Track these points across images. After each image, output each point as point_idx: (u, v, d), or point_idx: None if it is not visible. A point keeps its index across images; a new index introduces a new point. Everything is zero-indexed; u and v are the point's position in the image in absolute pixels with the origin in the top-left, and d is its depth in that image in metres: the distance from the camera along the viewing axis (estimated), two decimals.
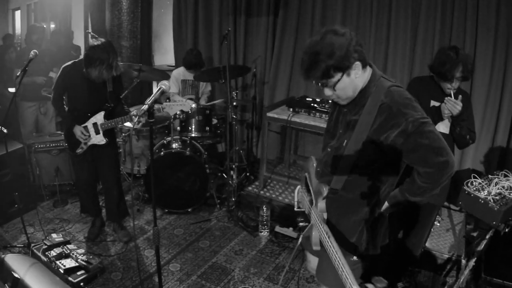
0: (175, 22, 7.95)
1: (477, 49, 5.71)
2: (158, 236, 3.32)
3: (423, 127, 2.36)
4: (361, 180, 2.58)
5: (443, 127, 4.01)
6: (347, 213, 2.66)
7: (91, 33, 5.97)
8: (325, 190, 2.61)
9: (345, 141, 2.59)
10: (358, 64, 2.39)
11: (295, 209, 3.10)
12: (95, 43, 4.36)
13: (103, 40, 4.43)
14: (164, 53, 8.40)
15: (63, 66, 4.61)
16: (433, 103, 3.98)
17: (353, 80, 2.44)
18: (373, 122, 2.44)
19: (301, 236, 2.93)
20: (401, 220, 4.52)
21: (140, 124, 4.95)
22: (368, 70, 2.52)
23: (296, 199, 3.15)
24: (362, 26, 6.40)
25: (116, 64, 4.44)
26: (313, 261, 3.23)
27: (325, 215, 2.59)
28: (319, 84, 2.45)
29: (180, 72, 6.79)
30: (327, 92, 2.48)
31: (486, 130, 5.97)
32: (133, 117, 4.49)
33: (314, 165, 2.93)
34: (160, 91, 3.15)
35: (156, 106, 3.14)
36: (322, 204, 2.60)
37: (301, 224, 2.98)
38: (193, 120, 6.00)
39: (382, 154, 2.46)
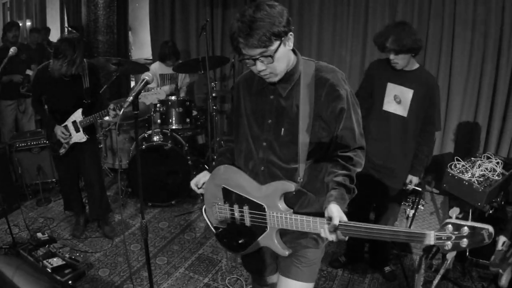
0: (151, 14, 7.95)
1: (455, 36, 5.87)
2: (146, 229, 3.34)
3: (355, 102, 2.49)
4: (320, 164, 2.54)
5: (401, 110, 3.96)
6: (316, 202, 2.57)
7: (69, 28, 5.95)
8: (292, 186, 2.45)
9: (282, 129, 2.50)
10: (291, 35, 2.32)
11: (216, 232, 2.88)
12: (66, 36, 4.36)
13: (75, 34, 4.41)
14: (141, 46, 8.40)
15: (37, 68, 4.59)
16: (390, 85, 3.94)
17: (287, 53, 2.35)
18: (315, 97, 2.42)
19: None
20: (371, 202, 4.61)
21: (118, 117, 4.92)
22: (293, 53, 2.48)
23: (209, 222, 2.93)
24: (339, 20, 6.51)
25: (79, 62, 4.35)
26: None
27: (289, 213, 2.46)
28: (255, 57, 2.26)
29: (157, 67, 6.78)
30: (260, 66, 2.29)
31: (466, 115, 6.11)
32: (110, 110, 4.46)
33: (241, 173, 2.72)
34: (144, 82, 3.15)
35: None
36: (282, 203, 2.50)
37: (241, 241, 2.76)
38: (174, 112, 6.01)
39: (330, 129, 2.45)
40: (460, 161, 4.33)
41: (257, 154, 2.60)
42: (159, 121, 6.01)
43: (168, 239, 5.17)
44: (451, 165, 4.30)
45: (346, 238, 2.24)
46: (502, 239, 3.36)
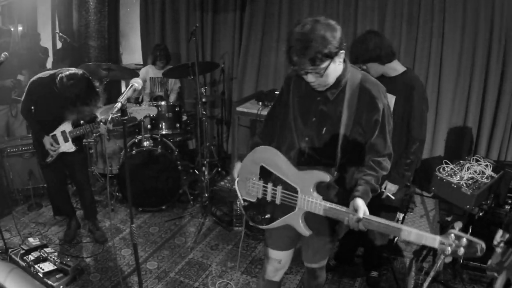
0: (142, 20, 7.98)
1: (444, 39, 5.92)
2: (136, 234, 3.38)
3: (389, 114, 2.77)
4: (353, 161, 2.82)
5: None
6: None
7: (59, 33, 5.96)
8: (327, 177, 2.71)
9: (324, 128, 2.80)
10: (342, 52, 2.56)
11: (243, 204, 3.14)
12: (90, 79, 4.31)
13: (78, 78, 4.31)
14: (132, 52, 8.39)
15: (30, 81, 4.54)
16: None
17: (336, 67, 2.60)
18: (357, 105, 2.67)
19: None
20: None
21: (105, 129, 4.97)
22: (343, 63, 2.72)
23: (239, 194, 3.17)
24: None
25: (98, 98, 4.36)
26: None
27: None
28: (306, 71, 2.54)
29: (149, 70, 6.82)
30: (311, 78, 2.58)
31: (456, 119, 6.15)
32: (101, 124, 4.51)
33: (281, 155, 2.94)
34: (132, 88, 3.19)
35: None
36: (315, 190, 2.75)
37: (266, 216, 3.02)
38: (164, 117, 6.05)
39: (366, 135, 2.74)
40: (449, 164, 4.38)
41: (299, 146, 2.91)
42: (149, 126, 6.01)
43: (158, 244, 5.19)
44: (440, 168, 4.35)
45: (366, 229, 2.55)
46: (500, 232, 3.38)
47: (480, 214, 4.59)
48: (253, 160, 3.09)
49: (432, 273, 4.23)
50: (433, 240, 2.37)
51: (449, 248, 2.30)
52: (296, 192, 2.81)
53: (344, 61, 2.70)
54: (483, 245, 2.22)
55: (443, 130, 6.19)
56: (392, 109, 3.80)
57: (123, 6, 8.09)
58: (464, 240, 2.27)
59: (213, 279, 4.58)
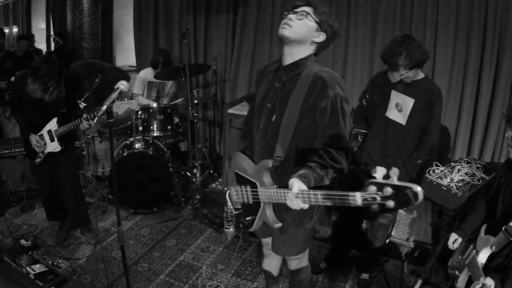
0: (135, 21, 7.99)
1: (437, 40, 5.94)
2: (123, 236, 3.42)
3: (345, 107, 2.73)
4: (301, 145, 2.81)
5: (400, 117, 4.04)
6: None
7: (54, 36, 5.98)
8: (270, 162, 2.78)
9: (274, 116, 2.84)
10: (322, 34, 2.75)
11: (235, 212, 3.22)
12: (44, 57, 4.37)
13: (53, 56, 4.42)
14: (126, 53, 8.41)
15: (16, 75, 4.59)
16: (394, 92, 4.03)
17: (310, 30, 2.73)
18: (307, 92, 2.70)
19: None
20: (364, 210, 4.67)
21: (92, 127, 4.99)
22: (313, 53, 2.84)
23: (230, 204, 3.27)
24: None
25: (54, 88, 4.44)
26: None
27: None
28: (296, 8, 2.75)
29: (148, 74, 6.80)
30: (292, 16, 2.72)
31: (449, 121, 6.16)
32: (83, 120, 4.48)
33: (244, 157, 3.09)
34: (118, 91, 3.22)
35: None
36: (267, 178, 2.80)
37: (249, 218, 3.10)
38: (155, 119, 6.06)
39: (314, 120, 2.73)
40: (439, 167, 4.40)
41: (256, 135, 2.98)
42: (140, 128, 6.04)
43: (149, 245, 5.22)
44: (430, 170, 4.36)
45: (306, 207, 2.48)
46: (453, 236, 3.40)
47: None
48: (231, 168, 3.22)
49: (423, 276, 4.32)
50: (354, 199, 2.10)
51: (375, 205, 1.97)
52: (256, 186, 2.88)
53: (315, 54, 2.84)
54: (415, 188, 1.83)
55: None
56: (409, 112, 3.95)
57: (118, 8, 8.12)
58: (389, 189, 1.91)
59: (203, 281, 4.61)
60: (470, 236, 3.32)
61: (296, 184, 2.47)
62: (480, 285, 2.82)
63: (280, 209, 2.91)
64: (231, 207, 3.24)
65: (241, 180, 3.06)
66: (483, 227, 3.13)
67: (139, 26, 7.97)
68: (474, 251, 3.09)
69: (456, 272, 3.26)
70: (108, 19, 7.88)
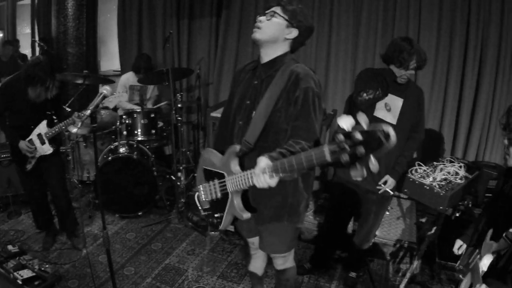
0: (120, 26, 8.00)
1: (420, 39, 6.00)
2: (108, 239, 3.47)
3: (316, 102, 2.79)
4: (272, 136, 2.85)
5: (390, 117, 4.09)
6: None
7: (38, 41, 5.98)
8: (237, 147, 2.83)
9: (253, 111, 2.90)
10: (294, 30, 2.85)
11: (203, 213, 3.21)
12: (35, 61, 4.40)
13: (42, 57, 4.45)
14: (111, 58, 8.41)
15: (2, 82, 4.61)
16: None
17: (280, 28, 2.83)
18: (283, 86, 2.78)
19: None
20: (352, 213, 4.75)
21: (83, 126, 5.03)
22: (289, 50, 2.95)
23: (200, 206, 3.26)
24: None
25: (53, 85, 4.49)
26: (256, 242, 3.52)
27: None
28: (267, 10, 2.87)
29: (129, 78, 6.83)
30: (261, 18, 2.86)
31: (432, 121, 6.25)
32: (75, 119, 4.49)
33: (213, 151, 3.12)
34: (101, 96, 3.27)
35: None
36: (235, 165, 2.84)
37: (217, 215, 3.07)
38: (139, 124, 6.09)
39: (287, 113, 2.80)
40: (422, 166, 4.40)
41: (235, 131, 3.03)
42: (125, 132, 6.07)
43: (135, 249, 5.26)
44: (412, 170, 4.37)
45: (274, 183, 2.47)
46: (458, 243, 3.50)
47: (457, 214, 4.64)
48: (199, 166, 3.23)
49: (408, 275, 4.37)
50: (322, 153, 2.03)
51: (345, 155, 1.87)
52: (224, 176, 2.90)
53: (292, 52, 2.95)
54: (386, 128, 1.78)
55: None
56: (399, 112, 4.04)
57: (103, 13, 8.12)
58: (358, 135, 1.82)
59: (189, 284, 4.66)
60: (474, 242, 3.35)
61: (263, 159, 2.49)
62: None
63: (255, 198, 2.97)
64: (201, 209, 3.24)
65: (209, 175, 3.07)
66: (489, 232, 3.13)
67: (123, 31, 7.98)
68: (478, 256, 3.12)
69: (461, 276, 3.28)
70: (93, 24, 7.87)
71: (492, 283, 2.80)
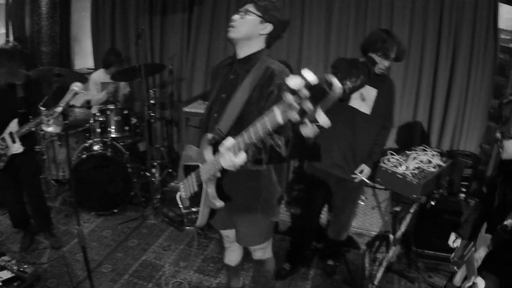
0: (93, 24, 7.98)
1: (393, 31, 5.90)
2: (83, 236, 3.53)
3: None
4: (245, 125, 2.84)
5: (364, 107, 4.17)
6: None
7: (11, 41, 5.96)
8: (210, 135, 2.91)
9: (228, 105, 2.96)
10: (268, 24, 2.92)
11: (184, 211, 3.25)
12: (4, 46, 4.40)
13: (16, 45, 4.47)
14: (84, 56, 8.35)
15: None
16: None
17: (253, 25, 2.91)
18: (258, 81, 2.85)
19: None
20: (325, 203, 4.82)
21: (55, 124, 5.03)
22: (264, 46, 3.03)
23: (181, 204, 3.32)
24: None
25: (18, 72, 4.53)
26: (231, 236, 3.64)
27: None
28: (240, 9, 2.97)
29: (100, 75, 6.84)
30: (235, 17, 2.95)
31: (406, 109, 6.34)
32: (43, 118, 4.39)
33: (192, 147, 3.22)
34: (72, 93, 3.33)
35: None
36: (208, 153, 2.88)
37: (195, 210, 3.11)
38: (112, 121, 6.15)
39: (260, 107, 2.83)
40: (394, 155, 4.42)
41: (211, 124, 3.10)
42: (99, 130, 6.12)
43: (112, 246, 5.31)
44: (384, 159, 4.39)
45: (239, 161, 2.48)
46: (452, 236, 3.53)
47: (432, 203, 4.68)
48: (180, 163, 3.33)
49: (384, 263, 4.46)
50: (273, 116, 2.05)
51: (294, 113, 1.90)
52: (199, 167, 2.97)
53: (268, 46, 3.04)
54: (329, 78, 1.81)
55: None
56: (373, 102, 4.14)
57: (77, 11, 8.05)
58: (304, 91, 1.84)
59: (166, 279, 4.72)
60: (469, 235, 3.37)
61: (229, 139, 2.51)
62: (470, 283, 2.94)
63: (228, 187, 3.03)
64: (182, 207, 3.31)
65: (188, 171, 3.16)
66: (485, 225, 3.14)
67: (97, 28, 7.97)
68: (473, 248, 3.14)
69: (455, 268, 3.33)
70: (66, 22, 7.84)
71: (487, 276, 2.89)
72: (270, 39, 3.01)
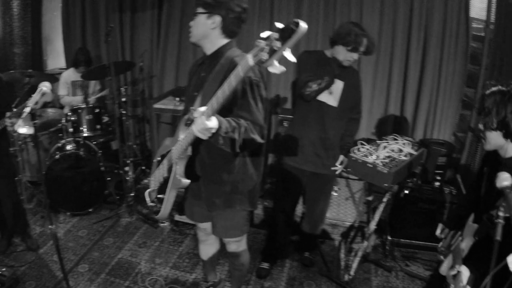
0: (64, 23, 8.00)
1: (363, 24, 6.01)
2: (56, 235, 3.60)
3: (254, 87, 2.91)
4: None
5: (331, 100, 4.21)
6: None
7: None
8: (185, 117, 2.97)
9: (201, 94, 3.01)
10: (216, 16, 2.96)
11: (149, 204, 3.36)
12: None
13: None
14: (57, 56, 8.34)
15: None
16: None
17: (205, 25, 2.99)
18: (223, 75, 2.80)
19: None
20: (299, 196, 4.85)
21: (26, 127, 5.11)
22: (228, 40, 3.09)
23: (149, 199, 3.40)
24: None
25: None
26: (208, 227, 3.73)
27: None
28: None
29: (70, 74, 6.87)
30: (191, 23, 3.04)
31: (378, 100, 6.49)
32: (6, 120, 4.45)
33: (168, 138, 3.36)
34: (40, 92, 3.38)
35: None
36: (182, 132, 2.96)
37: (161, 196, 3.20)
38: (84, 120, 6.17)
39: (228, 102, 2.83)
40: (365, 145, 4.43)
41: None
42: (71, 129, 6.14)
43: (88, 246, 5.36)
44: (354, 149, 4.38)
45: (211, 124, 2.52)
46: (440, 226, 3.56)
47: (406, 192, 4.86)
48: (153, 164, 3.46)
49: (359, 253, 4.58)
50: (246, 61, 2.19)
51: (263, 53, 2.05)
52: (170, 151, 3.09)
53: (232, 36, 3.09)
54: (295, 19, 1.95)
55: (364, 113, 6.07)
56: (340, 94, 4.22)
57: (48, 11, 8.02)
58: (274, 35, 2.01)
59: (142, 277, 4.80)
60: (456, 225, 3.39)
61: (201, 108, 2.53)
62: (455, 272, 3.01)
63: (206, 187, 3.21)
64: (149, 202, 3.38)
65: (161, 161, 3.29)
66: (472, 215, 3.15)
67: (68, 28, 7.99)
68: (460, 238, 3.18)
69: (442, 257, 3.34)
70: (37, 22, 7.82)
71: (472, 264, 2.95)
72: (228, 29, 3.01)
